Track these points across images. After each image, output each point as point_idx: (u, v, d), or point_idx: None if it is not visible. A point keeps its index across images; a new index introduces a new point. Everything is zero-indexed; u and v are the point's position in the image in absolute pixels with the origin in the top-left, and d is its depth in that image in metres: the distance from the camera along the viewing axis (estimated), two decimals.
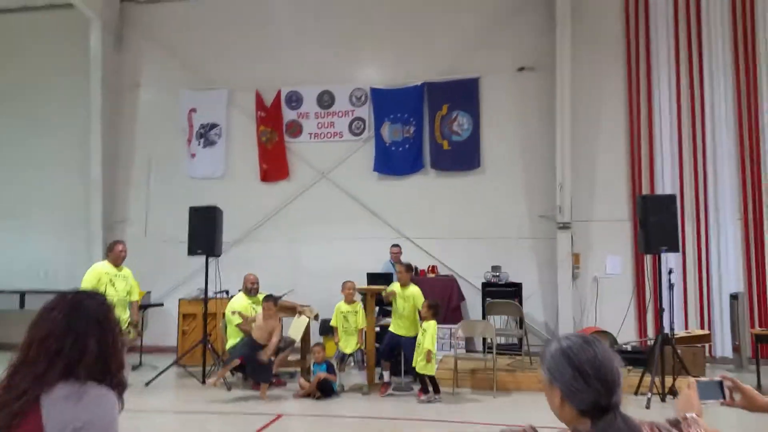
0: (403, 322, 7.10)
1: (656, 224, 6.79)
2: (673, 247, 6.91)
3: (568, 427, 1.57)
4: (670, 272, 6.99)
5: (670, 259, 8.30)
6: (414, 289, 7.14)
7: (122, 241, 7.60)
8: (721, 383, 1.91)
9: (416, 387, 6.96)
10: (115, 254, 7.22)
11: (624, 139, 9.41)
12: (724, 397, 1.91)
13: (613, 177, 9.38)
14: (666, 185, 9.09)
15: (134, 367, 8.34)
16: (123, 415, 1.73)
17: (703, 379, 1.92)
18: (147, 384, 7.38)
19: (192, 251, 7.82)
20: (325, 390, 6.82)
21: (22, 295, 9.85)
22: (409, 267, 7.36)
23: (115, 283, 7.06)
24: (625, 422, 1.50)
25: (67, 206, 10.57)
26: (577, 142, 9.21)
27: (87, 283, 6.88)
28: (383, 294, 7.33)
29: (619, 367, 1.59)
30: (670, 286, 6.93)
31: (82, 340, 1.67)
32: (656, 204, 6.97)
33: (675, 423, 1.64)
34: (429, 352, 6.54)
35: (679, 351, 6.93)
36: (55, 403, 1.59)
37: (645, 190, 9.09)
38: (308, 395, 6.82)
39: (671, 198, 7.22)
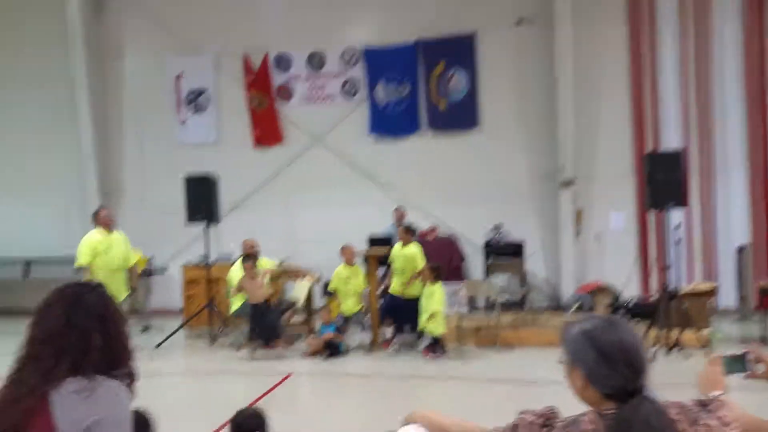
0: (403, 281, 7.21)
1: (663, 181, 6.72)
2: (680, 203, 6.87)
3: (592, 408, 1.51)
4: (677, 227, 6.89)
5: (675, 214, 8.17)
6: (414, 249, 7.20)
7: (105, 206, 7.64)
8: (744, 356, 1.84)
9: (421, 345, 7.06)
10: (102, 220, 7.08)
11: (627, 93, 9.17)
12: (747, 371, 1.82)
13: (616, 132, 9.19)
14: (671, 139, 8.92)
15: (143, 330, 8.56)
16: None
17: (726, 353, 1.85)
18: (157, 346, 7.57)
19: (191, 219, 7.91)
20: (332, 350, 6.97)
21: (27, 263, 10.02)
22: (408, 229, 7.42)
23: (110, 251, 6.93)
24: (653, 405, 1.43)
25: (64, 179, 10.40)
26: (579, 97, 9.00)
27: (84, 256, 6.85)
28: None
29: (646, 349, 1.53)
30: (677, 241, 6.84)
31: (85, 336, 1.63)
32: (663, 161, 6.91)
33: (703, 404, 1.57)
34: (433, 314, 6.65)
35: (684, 305, 6.88)
36: (66, 400, 1.55)
37: (650, 145, 8.92)
38: (316, 354, 6.96)
39: (678, 154, 7.11)
